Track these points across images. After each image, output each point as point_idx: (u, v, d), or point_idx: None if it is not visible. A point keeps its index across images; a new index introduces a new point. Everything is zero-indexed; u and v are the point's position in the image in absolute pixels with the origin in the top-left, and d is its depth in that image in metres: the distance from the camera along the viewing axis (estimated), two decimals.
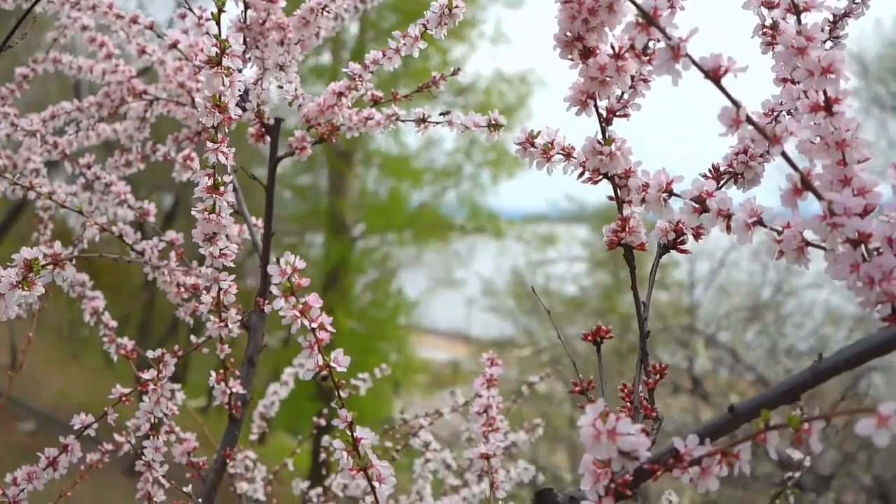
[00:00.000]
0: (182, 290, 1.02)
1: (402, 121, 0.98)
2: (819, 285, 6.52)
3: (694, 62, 0.51)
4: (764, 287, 7.05)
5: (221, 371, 0.98)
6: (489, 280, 11.18)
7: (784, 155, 0.52)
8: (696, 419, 6.56)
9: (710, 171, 0.71)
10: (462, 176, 13.02)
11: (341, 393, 0.67)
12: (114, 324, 1.13)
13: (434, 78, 1.00)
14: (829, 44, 0.71)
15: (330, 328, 0.63)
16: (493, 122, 0.84)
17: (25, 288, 0.69)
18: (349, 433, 0.66)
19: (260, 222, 1.14)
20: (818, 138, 0.55)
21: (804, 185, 0.52)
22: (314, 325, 0.63)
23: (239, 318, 0.93)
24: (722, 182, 0.71)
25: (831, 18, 0.72)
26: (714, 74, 0.52)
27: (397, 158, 13.17)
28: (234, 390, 0.99)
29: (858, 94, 9.19)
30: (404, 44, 0.89)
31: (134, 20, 1.12)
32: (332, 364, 0.64)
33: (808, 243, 0.56)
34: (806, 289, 6.94)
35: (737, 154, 0.70)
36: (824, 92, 0.54)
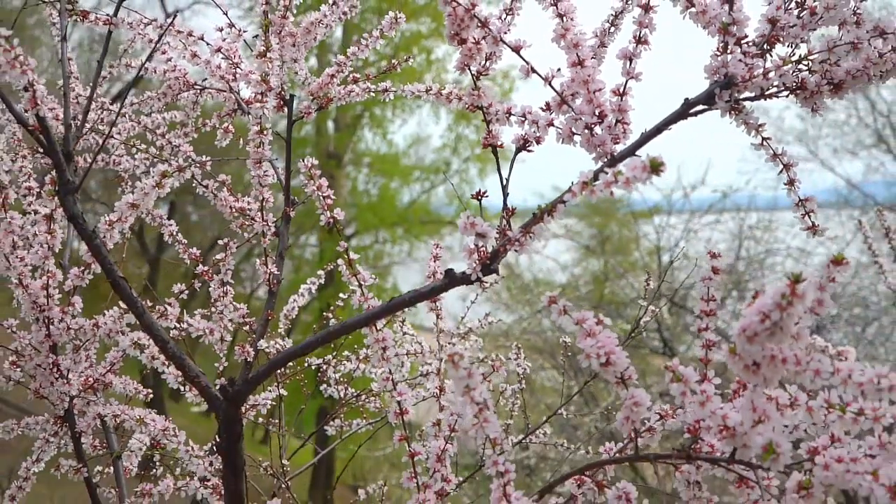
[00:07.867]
0: (232, 210, 1.55)
1: (374, 92, 1.52)
2: (775, 252, 7.09)
3: (505, 43, 1.05)
4: (735, 259, 7.62)
5: (263, 257, 1.51)
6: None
7: (553, 89, 1.06)
8: None
9: (544, 105, 1.24)
10: (450, 171, 13.53)
11: (341, 237, 1.20)
12: (185, 242, 1.66)
13: (393, 63, 1.55)
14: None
15: (332, 196, 1.17)
16: (428, 88, 1.38)
17: (159, 188, 1.22)
18: (347, 256, 1.19)
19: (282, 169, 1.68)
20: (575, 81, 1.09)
21: (563, 101, 1.06)
22: (324, 194, 1.17)
23: (275, 219, 1.46)
24: (552, 113, 1.24)
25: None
26: (516, 48, 1.05)
27: (386, 157, 13.68)
28: (272, 272, 1.52)
29: None
30: (372, 40, 1.44)
31: (190, 34, 1.65)
32: (335, 216, 1.18)
33: (573, 133, 1.09)
34: (769, 257, 7.52)
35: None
36: (576, 55, 1.08)
